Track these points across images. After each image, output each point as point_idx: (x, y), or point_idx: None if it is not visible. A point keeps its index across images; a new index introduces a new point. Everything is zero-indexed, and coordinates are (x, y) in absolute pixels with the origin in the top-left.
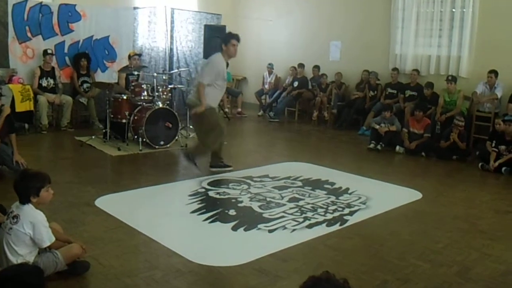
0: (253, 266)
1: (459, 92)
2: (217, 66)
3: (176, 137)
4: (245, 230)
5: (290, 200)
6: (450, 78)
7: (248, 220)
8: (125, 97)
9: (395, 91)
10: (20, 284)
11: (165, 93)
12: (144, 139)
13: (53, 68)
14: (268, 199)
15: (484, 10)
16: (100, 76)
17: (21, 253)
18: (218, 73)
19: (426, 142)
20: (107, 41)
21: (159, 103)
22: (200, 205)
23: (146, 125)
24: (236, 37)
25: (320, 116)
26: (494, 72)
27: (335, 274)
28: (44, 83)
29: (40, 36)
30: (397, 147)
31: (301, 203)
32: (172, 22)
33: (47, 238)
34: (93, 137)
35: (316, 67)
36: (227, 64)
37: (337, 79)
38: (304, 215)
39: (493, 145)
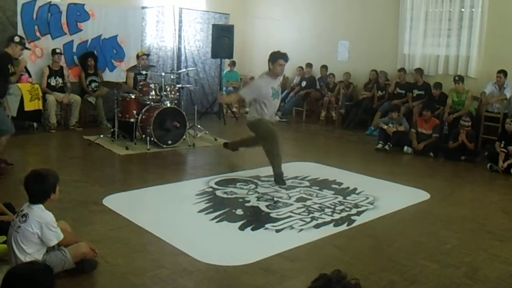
0: (260, 265)
1: (467, 92)
2: (258, 90)
3: (184, 137)
4: (252, 229)
5: (298, 200)
6: (457, 78)
7: (255, 219)
8: (133, 97)
9: (403, 91)
10: (30, 282)
11: (173, 92)
12: (152, 138)
13: (61, 67)
14: (275, 198)
15: (493, 10)
16: (108, 76)
17: (29, 252)
18: (259, 96)
19: (434, 143)
20: (115, 40)
21: (167, 102)
22: (207, 205)
23: (154, 124)
24: (284, 57)
25: (328, 116)
26: (503, 72)
27: (347, 274)
28: (53, 82)
29: (49, 36)
30: (405, 148)
31: (308, 203)
32: (180, 21)
33: (55, 237)
34: (101, 136)
35: (324, 67)
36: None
37: (345, 79)
38: (311, 215)
39: (502, 145)
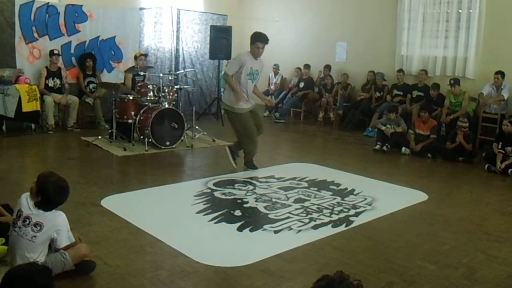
0: (258, 266)
1: (464, 94)
2: (241, 57)
3: (182, 138)
4: (251, 230)
5: (296, 201)
6: (452, 81)
7: (253, 220)
8: (131, 98)
9: (401, 93)
10: (29, 284)
11: (171, 93)
12: (150, 140)
13: (59, 68)
14: (273, 200)
15: (490, 11)
16: (106, 77)
17: (35, 255)
18: (241, 64)
19: (432, 144)
20: (113, 41)
21: (165, 103)
22: (205, 206)
23: (152, 125)
24: (261, 39)
25: (325, 117)
26: (500, 73)
27: (348, 275)
28: (51, 83)
29: (46, 37)
30: (403, 149)
31: (306, 204)
32: (178, 22)
33: (68, 238)
34: (99, 137)
35: (327, 67)
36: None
37: (343, 80)
38: (309, 216)
39: (500, 146)
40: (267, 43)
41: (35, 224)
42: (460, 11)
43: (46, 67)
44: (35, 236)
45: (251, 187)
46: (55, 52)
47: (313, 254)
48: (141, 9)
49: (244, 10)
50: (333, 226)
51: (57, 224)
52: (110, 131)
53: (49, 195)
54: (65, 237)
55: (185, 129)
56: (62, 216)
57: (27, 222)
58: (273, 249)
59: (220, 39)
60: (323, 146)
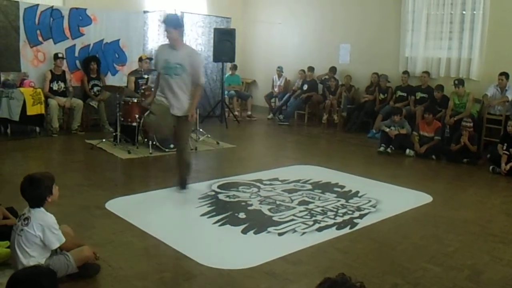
0: (263, 269)
1: (468, 95)
2: (155, 57)
3: None
4: (255, 233)
5: (300, 203)
6: (456, 82)
7: (258, 223)
8: (135, 101)
9: (405, 94)
10: (34, 287)
11: None
12: (154, 142)
13: (63, 71)
14: (278, 202)
15: (494, 12)
16: (111, 80)
17: (33, 255)
18: (156, 60)
19: (436, 145)
20: (117, 44)
21: None
22: (210, 208)
23: None
24: (166, 22)
25: (329, 119)
26: (505, 75)
27: (351, 277)
28: (55, 86)
29: (51, 40)
30: (407, 150)
31: (311, 206)
32: None
33: (57, 239)
34: (103, 140)
35: (333, 69)
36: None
37: (347, 82)
38: (314, 218)
39: (505, 148)
40: (174, 26)
41: (25, 219)
42: (464, 12)
43: (51, 71)
44: (22, 230)
45: (255, 189)
46: (60, 55)
47: (318, 256)
48: (145, 12)
49: (248, 12)
50: (337, 228)
51: (43, 219)
52: (114, 134)
53: (23, 188)
54: (52, 237)
55: None
56: (50, 216)
57: (21, 217)
58: (278, 252)
59: (223, 41)
60: (327, 148)
